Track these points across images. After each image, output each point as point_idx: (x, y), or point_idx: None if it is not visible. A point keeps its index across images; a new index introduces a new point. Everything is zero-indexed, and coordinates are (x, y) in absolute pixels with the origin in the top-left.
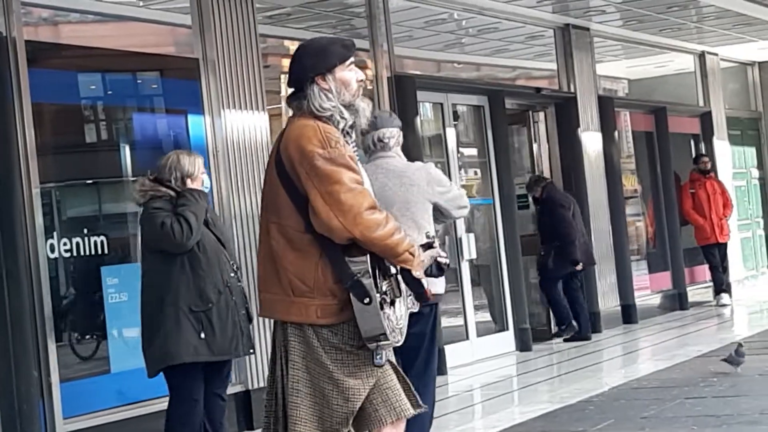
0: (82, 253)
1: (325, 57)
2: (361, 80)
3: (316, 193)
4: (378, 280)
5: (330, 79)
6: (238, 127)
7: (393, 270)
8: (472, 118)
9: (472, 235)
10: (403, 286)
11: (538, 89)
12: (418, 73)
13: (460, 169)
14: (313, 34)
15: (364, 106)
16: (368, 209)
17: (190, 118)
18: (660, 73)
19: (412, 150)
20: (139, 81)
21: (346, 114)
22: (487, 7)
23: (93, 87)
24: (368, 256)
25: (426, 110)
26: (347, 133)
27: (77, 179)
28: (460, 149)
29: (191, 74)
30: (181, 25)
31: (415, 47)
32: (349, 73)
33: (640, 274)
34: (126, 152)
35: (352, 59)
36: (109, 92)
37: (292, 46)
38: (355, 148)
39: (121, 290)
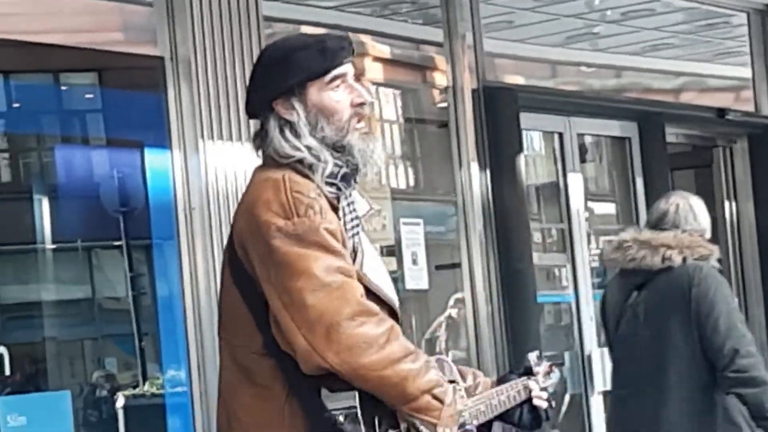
0: None
1: (287, 68)
2: (361, 103)
3: (273, 292)
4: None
5: (296, 104)
6: (227, 168)
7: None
8: (610, 157)
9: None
10: None
11: (721, 111)
12: (521, 82)
13: (588, 239)
14: (350, 17)
15: (365, 147)
16: (352, 316)
17: (149, 153)
18: None
19: (509, 209)
20: (63, 91)
21: (325, 155)
22: None
23: None
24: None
25: (534, 143)
26: (340, 185)
27: None
28: (590, 206)
29: (151, 82)
30: (135, 1)
31: (516, 40)
32: (332, 94)
33: None
34: (42, 206)
35: (339, 71)
36: (15, 108)
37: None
38: (354, 215)
39: None
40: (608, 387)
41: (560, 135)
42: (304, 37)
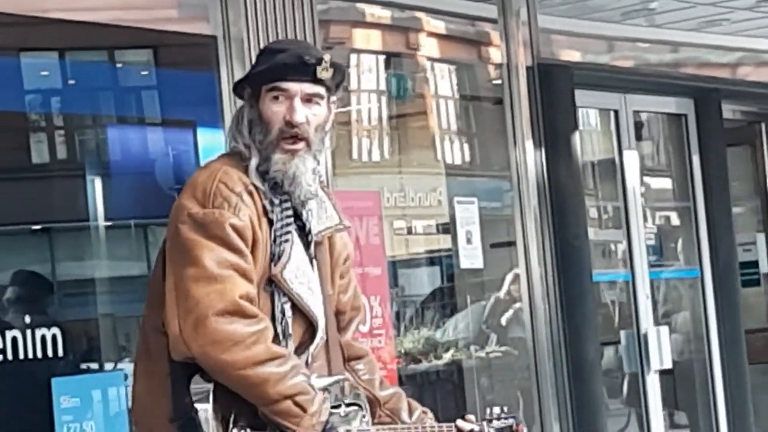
0: (19, 352)
1: (262, 66)
2: (295, 124)
3: (168, 273)
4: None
5: (252, 100)
6: None
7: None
8: (666, 134)
9: (665, 330)
10: None
11: None
12: (576, 59)
13: (644, 216)
14: None
15: (283, 168)
16: (223, 313)
17: (202, 132)
18: None
19: (564, 186)
20: (118, 69)
21: (254, 153)
22: None
23: (44, 75)
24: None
25: (590, 121)
26: (266, 189)
27: (15, 224)
28: (646, 182)
29: (204, 61)
30: None
31: (572, 16)
32: (271, 106)
33: None
34: (96, 185)
35: (286, 86)
36: (70, 86)
37: (373, 13)
38: (287, 221)
39: (82, 418)
40: (665, 366)
41: (615, 113)
42: (296, 43)
